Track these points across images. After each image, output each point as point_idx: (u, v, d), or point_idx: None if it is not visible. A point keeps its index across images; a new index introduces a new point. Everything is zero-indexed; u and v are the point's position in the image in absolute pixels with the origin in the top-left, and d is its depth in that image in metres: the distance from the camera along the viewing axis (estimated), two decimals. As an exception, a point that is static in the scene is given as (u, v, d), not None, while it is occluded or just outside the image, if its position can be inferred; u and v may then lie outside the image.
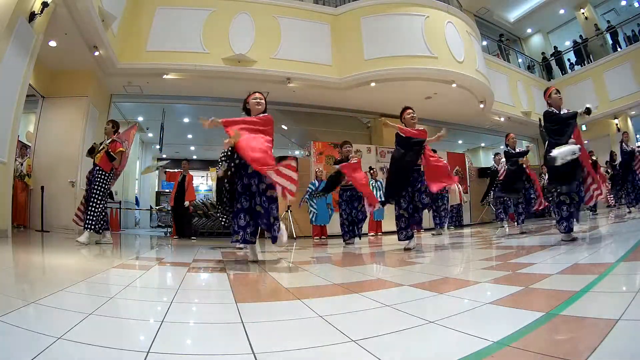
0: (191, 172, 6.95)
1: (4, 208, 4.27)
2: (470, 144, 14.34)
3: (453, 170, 7.01)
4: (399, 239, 3.86)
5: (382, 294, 1.74)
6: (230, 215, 3.16)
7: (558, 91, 3.50)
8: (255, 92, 3.15)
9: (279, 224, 2.86)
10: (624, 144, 6.91)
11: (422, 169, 3.94)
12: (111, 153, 4.31)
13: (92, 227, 4.21)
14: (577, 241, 3.21)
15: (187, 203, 6.62)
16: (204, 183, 14.36)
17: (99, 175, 4.32)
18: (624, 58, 10.35)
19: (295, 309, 1.44)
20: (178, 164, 8.98)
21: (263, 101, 3.09)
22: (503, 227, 6.98)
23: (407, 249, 3.72)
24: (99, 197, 4.29)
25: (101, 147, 4.39)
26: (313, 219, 6.70)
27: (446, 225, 6.59)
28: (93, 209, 4.24)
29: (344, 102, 8.57)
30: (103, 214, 4.38)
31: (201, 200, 8.73)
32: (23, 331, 1.04)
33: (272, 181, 2.71)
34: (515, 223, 5.60)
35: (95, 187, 4.28)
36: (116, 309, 1.41)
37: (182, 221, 6.83)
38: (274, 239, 2.84)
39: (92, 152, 4.44)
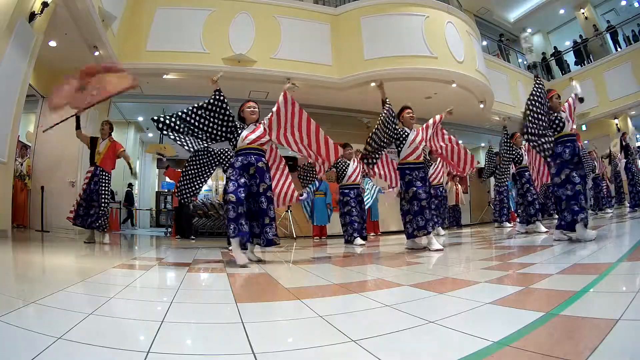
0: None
1: (4, 208, 4.27)
2: (470, 144, 14.32)
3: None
4: (420, 235, 3.52)
5: (382, 294, 1.74)
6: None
7: (559, 96, 3.51)
8: (250, 101, 3.21)
9: (275, 225, 2.90)
10: (623, 142, 6.96)
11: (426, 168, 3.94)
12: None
13: (105, 227, 4.50)
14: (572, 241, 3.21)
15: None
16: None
17: (103, 176, 4.51)
18: (623, 58, 10.34)
19: (295, 309, 1.44)
20: (178, 163, 8.98)
21: (257, 110, 3.17)
22: (503, 226, 6.97)
23: (437, 250, 3.40)
24: (107, 198, 4.53)
25: (102, 150, 4.46)
26: (308, 214, 6.69)
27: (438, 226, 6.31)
28: (103, 210, 4.48)
29: (344, 102, 8.56)
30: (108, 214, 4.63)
31: (201, 201, 8.73)
32: (23, 331, 1.04)
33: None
34: (518, 222, 5.49)
35: (103, 188, 4.49)
36: (116, 309, 1.41)
37: (185, 222, 6.87)
38: (269, 242, 2.83)
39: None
